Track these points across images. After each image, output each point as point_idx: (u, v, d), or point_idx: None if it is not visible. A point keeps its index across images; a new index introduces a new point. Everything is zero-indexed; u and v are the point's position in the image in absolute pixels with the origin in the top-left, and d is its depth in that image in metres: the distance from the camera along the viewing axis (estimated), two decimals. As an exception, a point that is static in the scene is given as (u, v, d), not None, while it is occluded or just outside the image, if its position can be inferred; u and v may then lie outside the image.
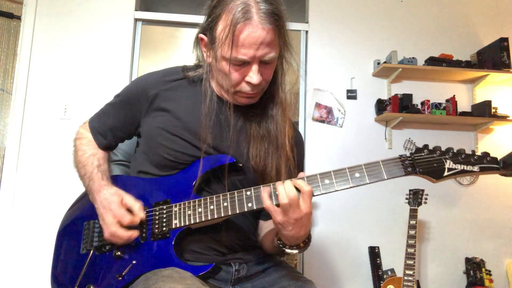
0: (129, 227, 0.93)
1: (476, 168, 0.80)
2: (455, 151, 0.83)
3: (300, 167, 1.12)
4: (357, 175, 0.85)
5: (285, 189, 0.83)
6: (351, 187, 0.85)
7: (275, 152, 1.00)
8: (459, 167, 0.81)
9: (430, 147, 0.85)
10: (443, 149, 0.83)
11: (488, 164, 0.81)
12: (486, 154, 0.82)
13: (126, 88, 1.13)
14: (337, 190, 0.86)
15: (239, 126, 1.03)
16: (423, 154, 0.84)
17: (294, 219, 0.84)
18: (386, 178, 0.84)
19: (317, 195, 0.87)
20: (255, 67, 0.91)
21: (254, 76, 0.91)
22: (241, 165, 0.99)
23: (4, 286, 2.41)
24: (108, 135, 1.11)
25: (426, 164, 0.83)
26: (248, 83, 0.93)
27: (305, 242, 0.93)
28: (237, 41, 0.88)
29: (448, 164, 0.81)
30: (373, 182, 0.85)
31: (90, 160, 1.07)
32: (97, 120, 1.14)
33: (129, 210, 0.95)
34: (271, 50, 0.90)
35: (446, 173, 0.81)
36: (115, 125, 1.11)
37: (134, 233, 0.92)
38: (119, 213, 0.92)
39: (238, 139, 1.03)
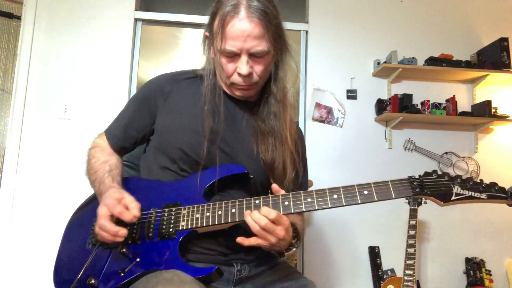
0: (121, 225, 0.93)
1: (484, 196, 0.83)
2: (463, 178, 0.85)
3: (303, 160, 1.18)
4: (365, 192, 0.89)
5: (254, 220, 0.88)
6: (359, 203, 0.89)
7: (280, 147, 1.05)
8: (467, 193, 0.84)
9: (439, 172, 0.88)
10: (452, 175, 0.86)
11: (496, 193, 0.83)
12: (494, 184, 0.84)
13: (140, 89, 1.18)
14: (344, 205, 0.89)
15: (244, 122, 1.08)
16: (431, 177, 0.87)
17: (276, 240, 0.89)
18: (394, 197, 0.87)
19: (325, 208, 0.90)
20: (244, 59, 0.96)
21: (243, 67, 0.96)
22: (251, 176, 1.02)
23: (4, 286, 2.41)
24: (122, 135, 1.14)
25: (435, 187, 0.86)
26: (239, 74, 0.98)
27: (294, 236, 0.97)
28: (225, 33, 0.94)
29: (456, 189, 0.84)
30: (381, 200, 0.88)
31: (102, 166, 1.09)
32: (112, 124, 1.18)
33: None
34: (260, 44, 0.95)
35: (453, 198, 0.84)
36: (129, 125, 1.13)
37: (123, 230, 0.90)
38: (111, 203, 0.92)
39: (246, 135, 1.07)
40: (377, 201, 0.88)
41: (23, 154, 2.54)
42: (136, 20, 2.76)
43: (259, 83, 1.04)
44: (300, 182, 1.14)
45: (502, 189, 0.84)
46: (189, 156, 1.02)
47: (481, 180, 0.85)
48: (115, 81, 2.63)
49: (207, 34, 1.04)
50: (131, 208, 0.92)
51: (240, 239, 0.91)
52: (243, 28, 0.93)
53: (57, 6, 2.68)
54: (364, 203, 0.88)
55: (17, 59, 2.61)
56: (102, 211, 0.93)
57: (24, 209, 2.49)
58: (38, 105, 2.59)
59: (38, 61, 2.62)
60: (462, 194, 0.83)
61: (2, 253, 2.44)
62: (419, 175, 0.88)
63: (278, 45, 1.02)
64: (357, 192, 0.89)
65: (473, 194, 0.83)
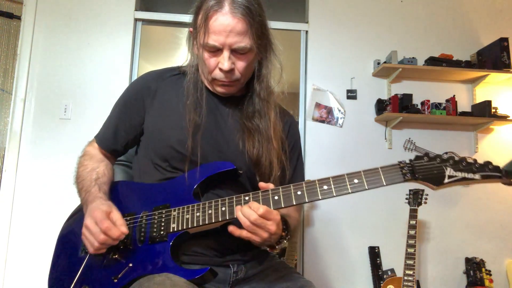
0: (110, 248, 0.93)
1: (477, 176, 0.79)
2: (456, 159, 0.82)
3: (296, 153, 1.17)
4: (356, 181, 0.86)
5: (244, 215, 0.86)
6: (349, 193, 0.86)
7: (266, 145, 1.04)
8: (460, 174, 0.80)
9: (431, 155, 0.85)
10: (444, 157, 0.83)
11: (490, 172, 0.80)
12: (488, 163, 0.80)
13: (125, 90, 1.16)
14: (335, 196, 0.87)
15: (230, 118, 1.08)
16: (423, 161, 0.84)
17: (268, 235, 0.87)
18: (385, 184, 0.84)
19: (315, 200, 0.88)
20: (226, 54, 0.96)
21: (224, 62, 0.96)
22: (241, 172, 1.01)
23: (4, 286, 2.41)
24: (112, 137, 1.13)
25: (426, 171, 0.83)
26: (221, 69, 0.98)
27: (284, 229, 0.94)
28: (208, 27, 0.94)
29: (449, 171, 0.81)
30: (372, 188, 0.85)
31: (89, 174, 1.08)
32: (101, 129, 1.17)
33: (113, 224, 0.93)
34: (242, 40, 0.95)
35: (446, 180, 0.81)
36: (118, 126, 1.12)
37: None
38: (99, 217, 0.90)
39: (233, 131, 1.06)
40: (368, 189, 0.85)
41: (23, 154, 2.54)
42: (136, 20, 2.76)
43: (241, 80, 1.03)
44: (291, 176, 1.13)
45: (496, 168, 0.80)
46: (180, 152, 1.01)
47: (475, 160, 0.82)
48: (115, 81, 2.63)
49: (191, 29, 1.04)
50: (119, 225, 0.90)
51: (232, 228, 0.89)
52: (226, 23, 0.92)
53: (57, 6, 2.68)
54: (355, 192, 0.86)
55: (17, 59, 2.61)
56: (88, 222, 0.91)
57: (24, 209, 2.49)
58: (38, 105, 2.59)
59: (38, 61, 2.62)
60: (455, 176, 0.80)
61: (2, 253, 2.44)
62: (410, 159, 0.85)
63: (262, 43, 1.01)
64: (347, 182, 0.86)
65: (466, 175, 0.79)
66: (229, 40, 0.94)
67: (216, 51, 0.96)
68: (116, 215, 0.93)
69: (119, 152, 1.17)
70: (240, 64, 0.99)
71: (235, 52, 0.96)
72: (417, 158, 0.84)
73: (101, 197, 1.00)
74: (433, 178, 0.82)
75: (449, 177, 0.81)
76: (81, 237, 1.02)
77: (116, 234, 0.88)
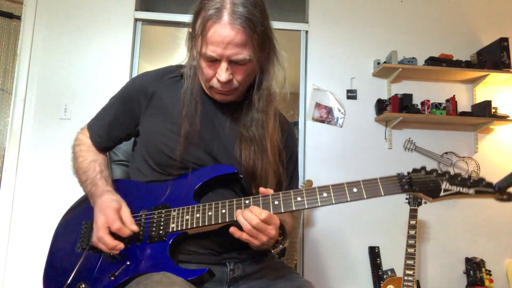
0: (118, 238, 0.93)
1: (471, 191, 0.83)
2: (452, 174, 0.86)
3: (292, 159, 1.17)
4: (355, 190, 0.88)
5: (246, 219, 0.87)
6: (348, 201, 0.89)
7: (262, 156, 1.03)
8: (455, 188, 0.84)
9: (428, 169, 0.88)
10: (440, 171, 0.87)
11: (483, 188, 0.83)
12: (482, 179, 0.84)
13: (124, 87, 1.14)
14: (334, 204, 0.89)
15: (227, 126, 1.06)
16: (420, 174, 0.87)
17: (267, 238, 0.88)
18: (383, 194, 0.88)
19: (315, 207, 0.90)
20: (223, 65, 0.93)
21: (222, 74, 0.93)
22: (241, 176, 1.01)
23: (4, 286, 2.41)
24: (106, 135, 1.12)
25: (423, 183, 0.86)
26: (218, 80, 0.96)
27: (280, 234, 0.95)
28: (206, 38, 0.91)
29: (445, 185, 0.84)
30: (370, 198, 0.88)
31: (92, 166, 1.08)
32: (95, 122, 1.15)
33: (123, 222, 0.95)
34: (241, 52, 0.92)
35: (442, 193, 0.84)
36: (112, 124, 1.11)
37: (120, 245, 0.91)
38: (111, 217, 0.92)
39: (230, 139, 1.05)
40: (366, 198, 0.88)
41: (23, 154, 2.54)
42: (136, 20, 2.76)
43: (240, 89, 1.01)
44: (286, 188, 1.12)
45: (489, 184, 0.83)
46: (174, 160, 1.00)
47: (469, 176, 0.85)
48: (115, 81, 2.63)
49: (190, 30, 1.01)
50: (127, 224, 0.93)
51: (232, 229, 0.89)
52: (224, 34, 0.89)
53: (57, 6, 2.68)
54: (353, 200, 0.88)
55: (17, 59, 2.61)
56: (101, 222, 0.93)
57: (24, 209, 2.49)
58: (38, 105, 2.59)
59: (38, 61, 2.62)
60: (450, 190, 0.84)
61: (2, 253, 2.44)
62: (408, 172, 0.87)
63: (263, 53, 0.98)
64: (347, 190, 0.89)
65: (461, 189, 0.83)
66: (227, 52, 0.91)
67: (213, 61, 0.94)
68: (125, 212, 0.95)
69: (112, 147, 1.17)
70: (239, 75, 0.96)
71: (234, 63, 0.93)
72: (415, 171, 0.88)
73: (109, 190, 1.01)
74: (430, 190, 0.85)
75: (445, 190, 0.84)
76: (82, 232, 1.04)
77: (126, 234, 0.92)
